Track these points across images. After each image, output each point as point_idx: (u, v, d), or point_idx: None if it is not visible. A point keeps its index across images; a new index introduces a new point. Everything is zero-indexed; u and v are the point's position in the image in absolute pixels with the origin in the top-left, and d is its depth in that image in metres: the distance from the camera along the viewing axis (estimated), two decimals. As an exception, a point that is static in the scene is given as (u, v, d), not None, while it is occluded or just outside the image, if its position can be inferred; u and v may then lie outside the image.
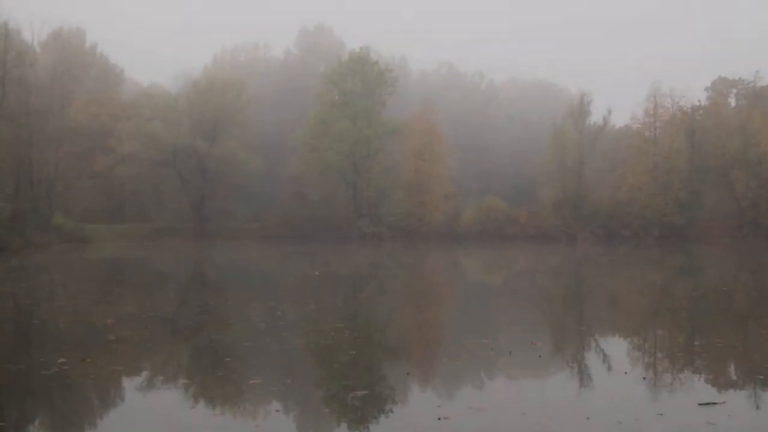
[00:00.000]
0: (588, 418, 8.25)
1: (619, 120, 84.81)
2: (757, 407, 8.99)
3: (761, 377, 10.47)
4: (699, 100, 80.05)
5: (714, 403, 8.78)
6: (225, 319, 16.69)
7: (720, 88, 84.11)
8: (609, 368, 11.36)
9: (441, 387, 10.52)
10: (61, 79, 68.59)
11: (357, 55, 74.89)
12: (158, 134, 71.09)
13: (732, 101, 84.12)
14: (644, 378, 10.52)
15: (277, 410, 8.77)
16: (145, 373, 11.10)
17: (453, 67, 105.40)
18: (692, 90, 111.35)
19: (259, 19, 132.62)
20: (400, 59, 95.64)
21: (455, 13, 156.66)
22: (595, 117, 79.30)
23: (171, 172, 73.55)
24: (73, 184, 69.70)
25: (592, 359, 12.37)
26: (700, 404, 8.76)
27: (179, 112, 75.58)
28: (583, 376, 10.87)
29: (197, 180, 73.66)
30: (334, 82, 74.75)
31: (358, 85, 74.05)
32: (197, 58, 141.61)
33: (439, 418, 8.20)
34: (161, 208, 76.87)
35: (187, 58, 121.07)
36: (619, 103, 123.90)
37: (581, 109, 77.02)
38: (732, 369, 11.79)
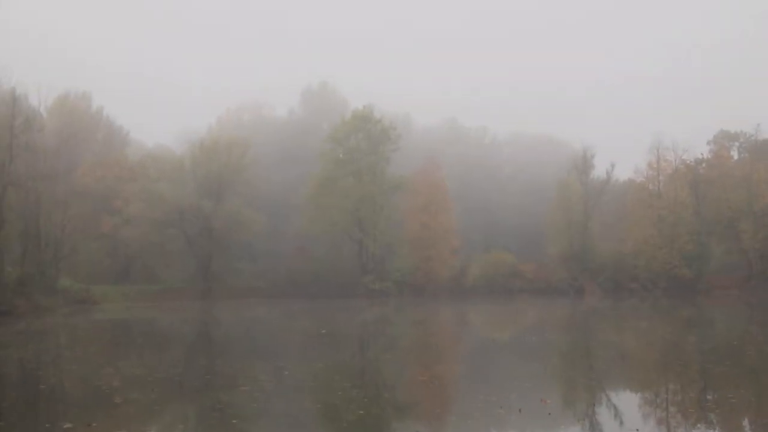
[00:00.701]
0: (599, 476, 8.15)
1: (623, 174, 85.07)
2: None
3: (774, 432, 10.36)
4: (702, 153, 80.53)
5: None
6: (232, 380, 16.57)
7: (722, 141, 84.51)
8: (618, 424, 11.24)
9: (451, 447, 10.42)
10: (68, 143, 69.14)
11: (360, 113, 75.60)
12: (164, 195, 71.38)
13: (735, 154, 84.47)
14: (655, 434, 10.42)
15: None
16: (152, 437, 11.00)
17: (456, 122, 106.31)
18: (694, 144, 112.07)
19: (262, 80, 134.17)
20: (403, 116, 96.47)
21: (457, 69, 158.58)
22: (599, 171, 79.80)
23: (177, 232, 73.64)
24: (80, 246, 69.78)
25: (602, 415, 12.24)
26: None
27: (184, 173, 75.97)
28: (593, 432, 10.76)
29: (203, 240, 73.67)
30: (338, 140, 75.34)
31: (362, 143, 74.61)
32: (202, 120, 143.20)
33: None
34: (168, 268, 76.77)
35: (192, 121, 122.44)
36: (622, 157, 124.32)
37: (585, 162, 77.39)
38: (743, 424, 11.66)
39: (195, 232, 73.61)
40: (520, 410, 12.36)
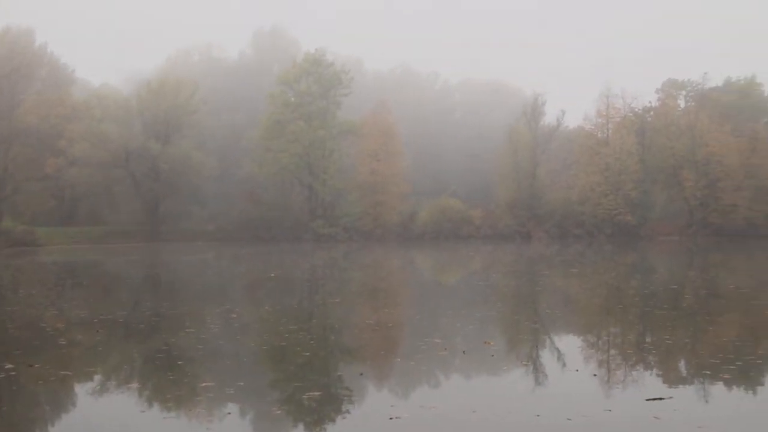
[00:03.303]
0: (538, 415, 8.35)
1: (573, 121, 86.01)
2: (704, 401, 9.19)
3: (707, 372, 10.71)
4: (650, 102, 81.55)
5: (661, 398, 8.95)
6: (178, 322, 16.51)
7: (669, 89, 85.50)
8: (561, 366, 11.51)
9: (394, 387, 10.57)
10: (9, 78, 67.29)
11: (312, 56, 74.77)
12: (110, 135, 70.06)
13: (681, 103, 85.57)
14: (595, 375, 10.69)
15: (229, 413, 8.73)
16: (96, 378, 10.94)
17: (408, 68, 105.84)
18: (643, 92, 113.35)
19: (213, 20, 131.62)
20: (355, 60, 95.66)
21: (412, 15, 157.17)
22: (549, 118, 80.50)
23: (123, 173, 72.58)
24: (23, 187, 68.48)
25: (544, 357, 12.51)
26: (647, 399, 8.92)
27: (131, 113, 74.63)
28: (535, 374, 10.99)
29: (151, 182, 72.76)
30: (288, 83, 74.55)
31: (314, 86, 73.96)
32: (151, 60, 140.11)
33: (390, 418, 8.24)
34: (114, 210, 75.85)
35: (140, 61, 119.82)
36: (574, 104, 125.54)
37: (535, 109, 77.82)
38: (680, 365, 12.02)
39: (142, 174, 72.72)
40: (464, 352, 12.58)
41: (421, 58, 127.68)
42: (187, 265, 42.11)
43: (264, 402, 9.49)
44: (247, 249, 56.12)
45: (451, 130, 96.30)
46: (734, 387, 9.95)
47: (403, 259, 47.00)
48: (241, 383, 10.21)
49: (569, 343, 14.15)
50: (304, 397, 9.28)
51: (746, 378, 10.44)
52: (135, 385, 10.58)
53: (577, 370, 10.93)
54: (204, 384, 10.05)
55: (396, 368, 11.67)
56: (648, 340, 14.44)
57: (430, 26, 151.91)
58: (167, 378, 10.77)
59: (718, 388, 9.83)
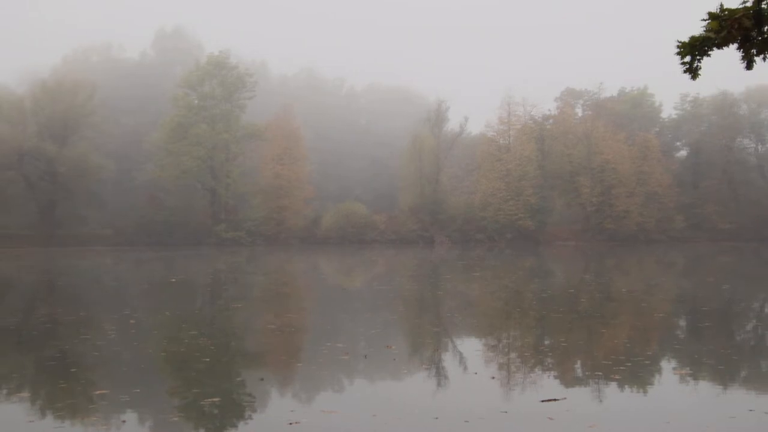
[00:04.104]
0: (437, 417, 8.47)
1: (476, 128, 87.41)
2: (596, 401, 9.50)
3: (600, 373, 11.07)
4: (549, 110, 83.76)
5: (555, 399, 9.21)
6: (74, 329, 16.00)
7: (568, 98, 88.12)
8: (461, 369, 11.69)
9: (295, 392, 10.53)
10: None
11: (216, 58, 73.80)
12: (1, 136, 67.54)
13: (579, 111, 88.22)
14: (493, 378, 10.90)
15: (125, 421, 8.53)
16: (-16, 388, 10.53)
17: (314, 72, 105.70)
18: (543, 100, 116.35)
19: (112, 19, 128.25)
20: (260, 64, 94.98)
21: (317, 18, 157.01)
22: (453, 124, 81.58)
23: (16, 175, 70.05)
24: None
25: (445, 360, 12.68)
26: (542, 401, 9.17)
27: (25, 114, 72.05)
28: (435, 377, 11.14)
29: (46, 184, 70.47)
30: (191, 86, 73.35)
31: (217, 89, 72.99)
32: (47, 59, 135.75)
33: (290, 423, 8.21)
34: (6, 213, 72.96)
35: (35, 60, 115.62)
36: (477, 111, 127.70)
37: (439, 116, 78.82)
38: (574, 366, 12.38)
39: (37, 177, 70.33)
40: (365, 356, 12.65)
41: (327, 64, 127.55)
42: (84, 270, 40.90)
43: (161, 409, 9.30)
44: (147, 254, 54.96)
45: (356, 136, 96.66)
46: (625, 387, 10.32)
47: (306, 264, 46.86)
48: (138, 390, 10.00)
49: (470, 347, 14.37)
50: (203, 403, 9.16)
51: (636, 378, 10.85)
52: (26, 394, 10.22)
53: (476, 373, 11.12)
54: (99, 392, 9.80)
55: (298, 373, 11.64)
56: (545, 342, 14.82)
57: (337, 32, 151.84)
58: (60, 386, 10.44)
59: (609, 388, 10.17)
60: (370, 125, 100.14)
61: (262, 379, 10.92)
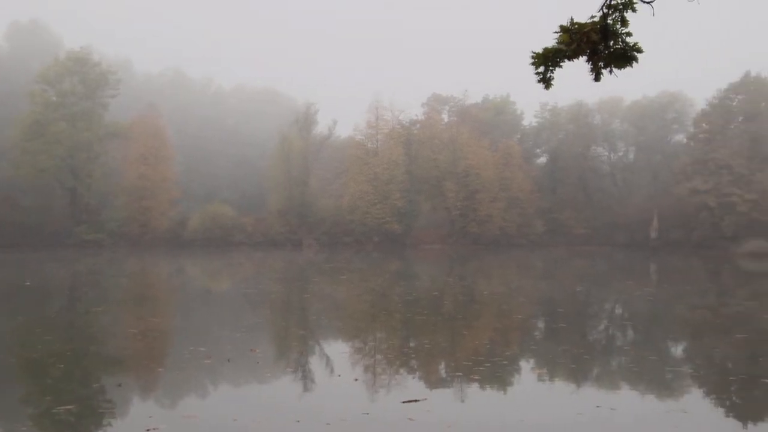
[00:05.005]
0: (298, 420, 8.53)
1: (345, 131, 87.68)
2: (456, 401, 9.79)
3: (460, 374, 11.42)
4: (416, 115, 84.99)
5: (416, 400, 9.43)
6: None
7: (434, 104, 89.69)
8: (325, 372, 11.79)
9: (155, 397, 10.35)
10: None
11: (76, 54, 70.97)
12: None
13: (445, 117, 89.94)
14: (356, 380, 11.04)
15: (-28, 432, 8.18)
16: None
17: (180, 71, 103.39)
18: (410, 104, 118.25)
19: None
20: (124, 61, 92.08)
21: (183, 14, 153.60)
22: (322, 127, 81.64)
23: None
24: None
25: (310, 363, 12.76)
26: (403, 402, 9.37)
27: None
28: (299, 380, 11.19)
29: None
30: (49, 82, 70.22)
31: (78, 86, 70.22)
32: None
33: (148, 429, 8.07)
34: None
35: None
36: (349, 115, 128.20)
37: (307, 118, 78.68)
38: (437, 367, 12.70)
39: None
40: (228, 360, 12.55)
41: (195, 63, 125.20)
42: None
43: (11, 419, 8.95)
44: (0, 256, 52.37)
45: (224, 136, 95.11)
46: (484, 387, 10.68)
47: (171, 266, 45.89)
48: (-12, 400, 9.58)
49: (335, 349, 14.50)
50: (57, 411, 8.87)
51: (494, 378, 11.25)
52: None
53: (339, 375, 11.25)
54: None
55: (158, 378, 11.44)
56: (410, 344, 15.12)
57: (206, 32, 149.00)
58: None
59: (469, 389, 10.51)
60: (239, 126, 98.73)
61: (120, 385, 10.66)
